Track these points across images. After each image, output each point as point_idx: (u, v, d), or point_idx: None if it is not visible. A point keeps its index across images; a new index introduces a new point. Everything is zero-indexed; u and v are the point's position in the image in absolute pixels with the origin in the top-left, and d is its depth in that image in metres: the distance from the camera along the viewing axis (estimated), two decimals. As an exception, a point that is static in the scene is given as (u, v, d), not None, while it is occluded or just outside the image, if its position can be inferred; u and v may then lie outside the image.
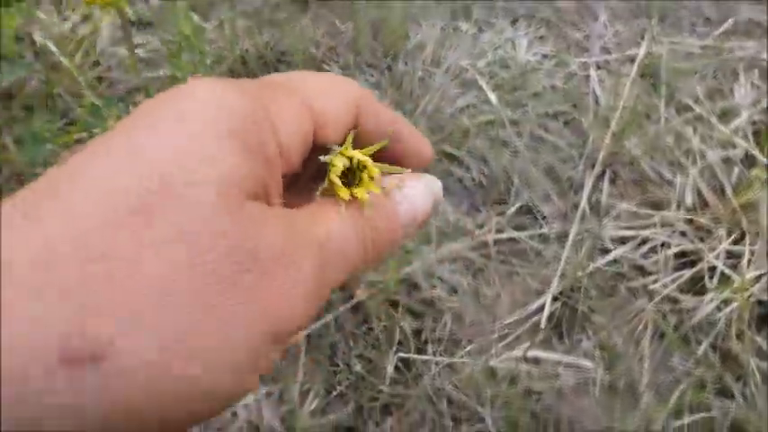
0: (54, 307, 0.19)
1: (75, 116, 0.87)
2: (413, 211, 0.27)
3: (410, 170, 0.28)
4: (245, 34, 0.97)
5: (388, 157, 0.29)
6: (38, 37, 0.90)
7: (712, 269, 0.91)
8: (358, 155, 0.27)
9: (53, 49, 0.78)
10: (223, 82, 0.23)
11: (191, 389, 0.21)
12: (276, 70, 0.99)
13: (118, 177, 0.20)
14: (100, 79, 0.91)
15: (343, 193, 0.26)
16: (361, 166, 0.27)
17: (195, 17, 0.90)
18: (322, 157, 0.27)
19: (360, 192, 0.26)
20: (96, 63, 0.92)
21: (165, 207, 0.20)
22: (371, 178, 0.27)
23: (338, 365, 0.85)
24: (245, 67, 0.96)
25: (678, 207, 0.94)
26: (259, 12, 1.00)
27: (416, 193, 0.28)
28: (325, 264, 0.23)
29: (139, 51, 0.95)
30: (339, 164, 0.26)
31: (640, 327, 0.89)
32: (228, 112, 0.23)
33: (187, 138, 0.21)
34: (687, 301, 0.89)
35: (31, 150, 0.76)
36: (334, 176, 0.26)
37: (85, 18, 0.96)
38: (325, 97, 0.27)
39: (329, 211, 0.24)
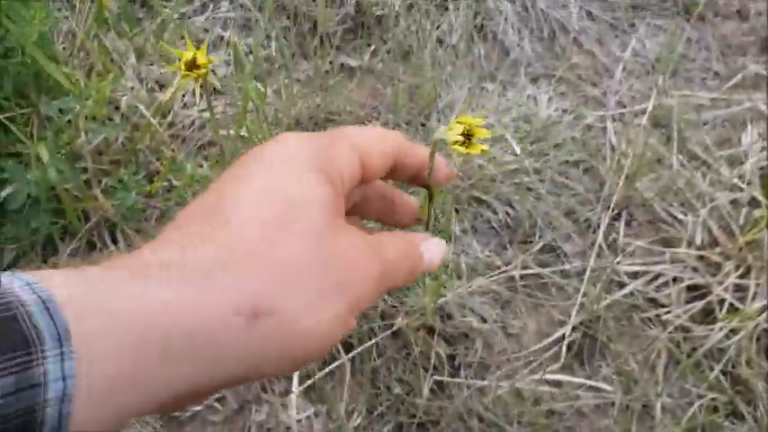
0: (239, 282, 0.30)
1: (154, 168, 1.02)
2: (431, 259, 0.38)
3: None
4: (300, 98, 1.11)
5: (423, 178, 0.41)
6: (124, 102, 1.05)
7: (721, 301, 0.99)
8: (471, 120, 0.41)
9: (144, 112, 0.92)
10: (303, 134, 0.35)
11: (315, 336, 0.31)
12: (325, 128, 1.13)
13: (255, 207, 0.32)
14: (174, 137, 1.06)
15: (462, 149, 0.41)
16: (473, 132, 0.42)
17: (257, 84, 1.05)
18: (439, 131, 0.41)
19: (474, 148, 0.41)
20: (171, 124, 1.07)
21: (291, 218, 0.32)
22: (478, 141, 0.42)
23: (379, 388, 0.95)
24: (298, 127, 1.10)
25: (689, 245, 1.03)
26: (311, 79, 1.14)
27: (436, 249, 0.39)
28: (384, 273, 0.34)
29: (207, 114, 1.10)
30: (458, 128, 0.41)
31: (654, 354, 0.98)
32: (314, 154, 0.34)
33: (295, 174, 0.33)
34: (698, 330, 0.98)
35: (119, 197, 0.91)
36: (455, 136, 0.41)
37: (162, 86, 1.12)
38: (369, 143, 0.37)
39: (388, 243, 0.36)
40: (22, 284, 0.25)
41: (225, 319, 0.29)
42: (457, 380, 0.96)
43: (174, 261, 0.29)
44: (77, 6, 1.15)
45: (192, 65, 0.65)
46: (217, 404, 0.95)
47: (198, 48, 0.65)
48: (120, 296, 0.27)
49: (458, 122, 0.41)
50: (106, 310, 0.27)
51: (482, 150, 0.42)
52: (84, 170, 1.01)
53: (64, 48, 1.09)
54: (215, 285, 0.29)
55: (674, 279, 1.01)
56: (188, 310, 0.28)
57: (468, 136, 0.42)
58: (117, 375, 0.26)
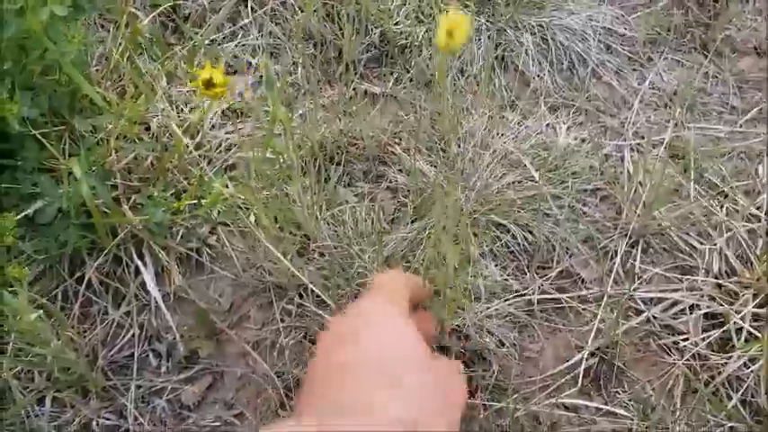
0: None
1: (181, 187, 1.04)
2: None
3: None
4: (324, 123, 1.14)
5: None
6: (154, 123, 1.09)
7: (739, 330, 0.99)
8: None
9: (175, 129, 0.95)
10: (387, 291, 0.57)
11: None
12: (347, 152, 1.15)
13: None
14: (202, 157, 1.09)
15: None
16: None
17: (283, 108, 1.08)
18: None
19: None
20: (199, 145, 1.11)
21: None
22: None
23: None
24: (322, 150, 1.13)
25: (706, 273, 1.03)
26: (335, 104, 1.17)
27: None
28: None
29: (235, 135, 1.13)
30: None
31: (672, 381, 0.98)
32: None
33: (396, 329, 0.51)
34: (716, 358, 0.98)
35: (148, 213, 0.93)
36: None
37: (191, 109, 1.15)
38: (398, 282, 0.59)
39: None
40: None
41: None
42: (473, 401, 0.96)
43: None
44: (111, 31, 1.19)
45: (209, 83, 0.68)
46: (236, 420, 0.96)
47: (222, 69, 0.68)
48: None
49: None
50: None
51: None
52: (114, 187, 1.04)
53: (97, 70, 1.13)
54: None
55: (692, 307, 1.02)
56: None
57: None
58: None
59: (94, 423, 0.95)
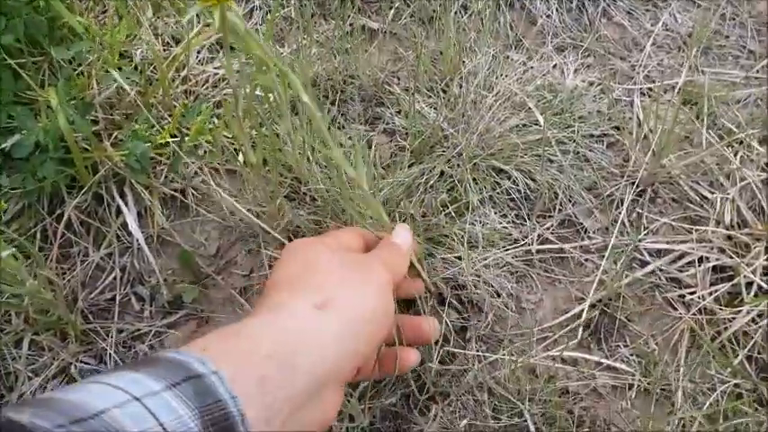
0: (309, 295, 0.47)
1: (166, 124, 0.99)
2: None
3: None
4: (317, 59, 1.08)
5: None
6: (138, 54, 1.03)
7: (749, 284, 0.95)
8: None
9: (161, 63, 0.89)
10: (318, 240, 0.60)
11: (368, 315, 0.49)
12: (342, 92, 1.09)
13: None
14: (188, 93, 1.03)
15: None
16: None
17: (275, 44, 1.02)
18: None
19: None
20: (185, 79, 1.05)
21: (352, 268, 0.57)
22: None
23: (388, 357, 0.91)
24: (315, 88, 1.07)
25: (717, 224, 0.98)
26: (330, 40, 1.11)
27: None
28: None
29: (222, 71, 1.07)
30: None
31: (676, 336, 0.94)
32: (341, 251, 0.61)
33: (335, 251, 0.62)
34: (723, 313, 0.93)
35: (130, 146, 0.88)
36: None
37: (177, 41, 1.09)
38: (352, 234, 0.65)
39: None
40: (227, 396, 0.38)
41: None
42: (468, 352, 0.92)
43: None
44: (95, -41, 1.12)
45: None
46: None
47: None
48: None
49: None
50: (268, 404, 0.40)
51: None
52: (95, 122, 0.98)
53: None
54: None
55: (700, 259, 0.97)
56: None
57: None
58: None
59: (73, 367, 0.91)
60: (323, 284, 0.47)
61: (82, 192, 0.96)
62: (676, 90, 1.10)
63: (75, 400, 0.34)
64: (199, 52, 1.08)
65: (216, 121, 0.95)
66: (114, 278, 0.97)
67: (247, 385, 0.39)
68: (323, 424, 0.46)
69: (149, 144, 0.88)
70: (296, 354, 0.42)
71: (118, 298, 0.96)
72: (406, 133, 1.05)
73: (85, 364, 0.92)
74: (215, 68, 1.07)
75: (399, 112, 1.07)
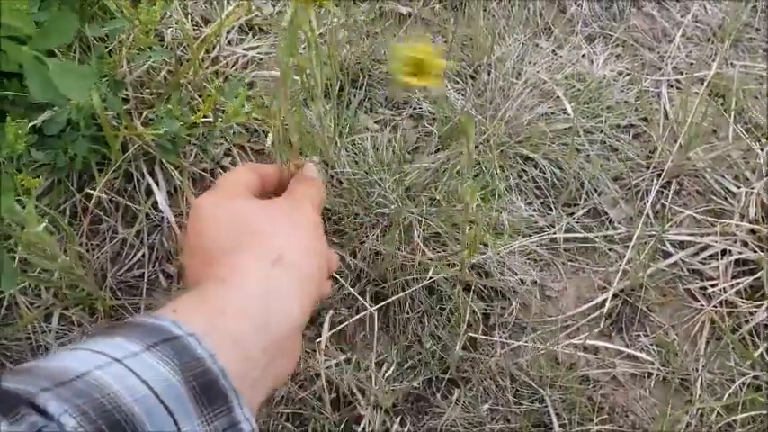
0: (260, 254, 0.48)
1: (195, 104, 0.99)
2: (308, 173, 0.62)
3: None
4: (346, 42, 1.08)
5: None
6: (169, 34, 1.03)
7: (772, 278, 0.96)
8: (424, 49, 0.40)
9: (192, 42, 0.90)
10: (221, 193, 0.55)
11: (315, 261, 0.50)
12: (370, 76, 1.10)
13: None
14: (218, 74, 1.04)
15: (413, 81, 0.40)
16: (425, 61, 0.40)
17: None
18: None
19: (426, 80, 0.40)
20: (215, 60, 1.05)
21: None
22: (432, 72, 0.41)
23: (412, 340, 0.93)
24: (343, 72, 1.07)
25: (741, 218, 0.99)
26: (360, 24, 1.11)
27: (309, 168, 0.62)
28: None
29: (252, 53, 1.07)
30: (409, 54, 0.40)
31: (697, 327, 0.95)
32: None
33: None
34: (745, 306, 0.94)
35: (164, 126, 0.88)
36: (404, 68, 0.39)
37: (207, 22, 1.09)
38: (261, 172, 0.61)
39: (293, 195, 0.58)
40: (206, 354, 0.38)
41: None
42: (491, 338, 0.93)
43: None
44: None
45: None
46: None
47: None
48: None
49: (409, 52, 0.40)
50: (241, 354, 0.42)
51: (434, 83, 0.42)
52: (126, 101, 0.99)
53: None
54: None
55: (723, 252, 0.98)
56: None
57: (419, 66, 0.42)
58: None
59: (102, 342, 0.92)
60: (266, 242, 0.48)
61: (112, 169, 0.97)
62: (705, 83, 1.10)
63: (56, 366, 0.36)
64: (228, 33, 1.08)
65: (246, 104, 0.95)
66: (143, 255, 0.98)
67: (223, 343, 0.40)
68: (289, 372, 0.50)
69: (182, 124, 0.88)
70: (266, 312, 0.45)
71: (146, 275, 0.97)
72: (433, 118, 1.05)
73: (115, 339, 0.93)
74: (244, 50, 1.07)
75: (426, 97, 1.07)
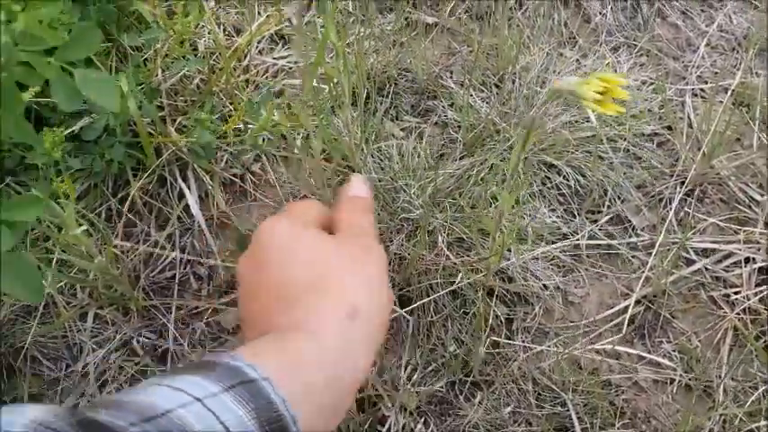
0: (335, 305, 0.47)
1: (227, 112, 1.02)
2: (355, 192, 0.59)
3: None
4: (373, 52, 1.10)
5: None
6: (202, 44, 1.06)
7: (795, 287, 0.96)
8: (612, 78, 0.46)
9: (224, 52, 0.93)
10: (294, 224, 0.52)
11: (384, 313, 0.49)
12: (396, 84, 1.12)
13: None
14: (249, 82, 1.07)
15: (598, 107, 0.46)
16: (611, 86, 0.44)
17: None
18: (568, 82, 0.46)
19: (608, 107, 0.46)
20: (246, 69, 1.08)
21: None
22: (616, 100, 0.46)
23: (435, 344, 0.95)
24: (370, 81, 1.10)
25: (765, 226, 0.99)
26: (386, 34, 1.14)
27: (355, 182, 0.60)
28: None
29: (282, 62, 1.10)
30: (596, 84, 0.46)
31: (720, 334, 0.95)
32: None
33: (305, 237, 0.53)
34: (768, 313, 0.95)
35: (195, 134, 0.92)
36: (592, 92, 0.46)
37: (239, 31, 1.13)
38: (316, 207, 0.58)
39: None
40: (278, 399, 0.40)
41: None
42: (514, 342, 0.95)
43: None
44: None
45: None
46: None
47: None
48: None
49: (598, 77, 0.46)
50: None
51: (617, 111, 0.48)
52: (160, 108, 1.02)
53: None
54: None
55: (746, 260, 0.98)
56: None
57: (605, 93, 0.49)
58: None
59: (135, 341, 0.96)
60: (343, 290, 0.48)
61: (146, 174, 1.00)
62: (729, 91, 1.11)
63: (142, 401, 0.37)
64: (259, 42, 1.11)
65: (276, 112, 0.98)
66: (174, 258, 1.01)
67: (296, 392, 0.41)
68: (342, 417, 0.50)
69: (214, 134, 0.91)
70: (339, 366, 0.45)
71: (177, 276, 1.00)
72: (458, 126, 1.07)
73: (147, 338, 0.96)
74: (274, 59, 1.10)
75: (452, 105, 1.09)
